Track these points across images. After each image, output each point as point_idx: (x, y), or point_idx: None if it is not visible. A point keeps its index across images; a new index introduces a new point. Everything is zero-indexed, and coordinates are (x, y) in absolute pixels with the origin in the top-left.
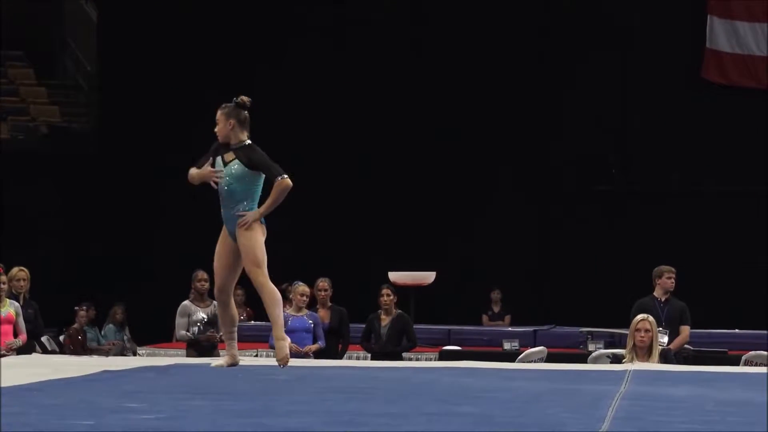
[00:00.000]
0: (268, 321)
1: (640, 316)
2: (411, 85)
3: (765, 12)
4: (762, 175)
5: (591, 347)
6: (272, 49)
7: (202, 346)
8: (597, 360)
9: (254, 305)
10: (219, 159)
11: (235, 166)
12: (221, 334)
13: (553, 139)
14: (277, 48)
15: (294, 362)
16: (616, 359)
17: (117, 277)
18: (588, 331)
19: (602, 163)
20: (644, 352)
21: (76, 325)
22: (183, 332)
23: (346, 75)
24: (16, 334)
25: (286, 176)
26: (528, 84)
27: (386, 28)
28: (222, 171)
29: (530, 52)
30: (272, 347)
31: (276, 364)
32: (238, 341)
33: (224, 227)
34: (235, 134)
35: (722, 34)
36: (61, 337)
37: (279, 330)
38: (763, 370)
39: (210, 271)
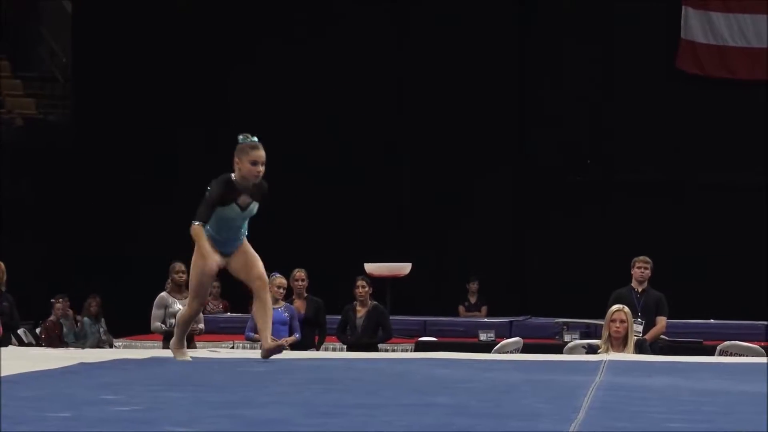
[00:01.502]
0: (245, 313)
1: (615, 307)
2: (387, 74)
3: (740, 3)
4: (742, 166)
5: (566, 338)
6: (248, 44)
7: None
8: (572, 350)
9: (230, 297)
10: (234, 205)
11: (253, 207)
12: (194, 326)
13: (531, 130)
14: (253, 42)
15: None
16: (592, 350)
17: (94, 269)
18: (563, 322)
19: (579, 154)
20: (619, 342)
21: (52, 318)
22: (158, 324)
23: (321, 67)
24: None
25: None
26: (506, 75)
27: (366, 20)
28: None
29: (509, 43)
30: (249, 339)
31: (257, 356)
32: (215, 333)
33: (209, 246)
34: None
35: (697, 25)
36: (38, 330)
37: (269, 333)
38: (737, 359)
39: (187, 263)
